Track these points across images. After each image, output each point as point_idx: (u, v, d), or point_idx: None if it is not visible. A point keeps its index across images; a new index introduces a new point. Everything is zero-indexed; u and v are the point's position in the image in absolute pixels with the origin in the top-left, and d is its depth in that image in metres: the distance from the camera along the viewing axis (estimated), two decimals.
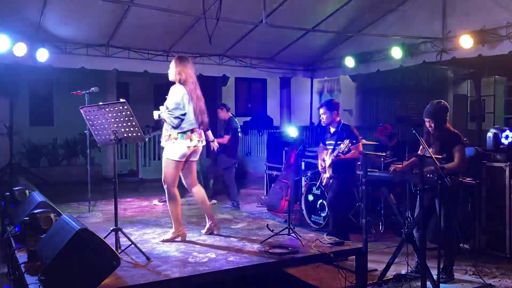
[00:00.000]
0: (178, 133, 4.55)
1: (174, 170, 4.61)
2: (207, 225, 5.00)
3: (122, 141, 4.21)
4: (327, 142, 5.53)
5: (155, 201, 6.90)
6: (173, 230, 4.74)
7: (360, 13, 8.47)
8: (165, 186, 4.67)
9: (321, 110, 5.46)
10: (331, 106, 5.42)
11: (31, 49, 7.68)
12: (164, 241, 4.66)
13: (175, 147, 4.56)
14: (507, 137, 5.46)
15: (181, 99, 4.56)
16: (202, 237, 4.85)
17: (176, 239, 4.69)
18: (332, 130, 5.47)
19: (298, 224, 6.72)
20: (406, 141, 6.26)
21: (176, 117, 4.50)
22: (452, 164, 4.33)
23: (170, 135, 4.57)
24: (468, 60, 8.66)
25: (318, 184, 6.35)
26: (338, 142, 5.22)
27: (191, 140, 4.60)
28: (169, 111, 4.53)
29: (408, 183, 4.45)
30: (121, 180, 4.21)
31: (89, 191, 6.30)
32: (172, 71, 4.69)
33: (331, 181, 5.39)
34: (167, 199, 4.74)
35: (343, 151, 5.03)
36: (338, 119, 5.46)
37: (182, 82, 4.62)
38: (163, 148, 4.69)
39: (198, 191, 4.92)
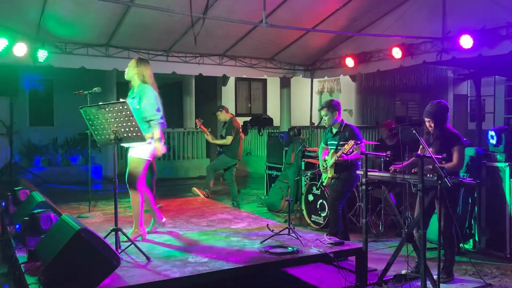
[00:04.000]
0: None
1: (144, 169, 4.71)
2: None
3: (122, 141, 4.21)
4: (329, 142, 5.53)
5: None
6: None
7: (360, 13, 8.47)
8: (133, 185, 4.64)
9: (323, 112, 5.45)
10: (332, 107, 5.41)
11: (31, 49, 7.68)
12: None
13: (150, 147, 4.66)
14: (492, 137, 5.41)
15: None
16: (202, 237, 4.85)
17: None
18: (334, 130, 5.46)
19: (298, 224, 6.73)
20: (406, 141, 6.23)
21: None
22: (450, 164, 4.34)
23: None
24: (468, 60, 8.67)
25: (318, 184, 6.35)
26: (341, 143, 5.22)
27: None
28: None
29: (408, 183, 4.43)
30: (121, 180, 4.19)
31: (89, 191, 6.30)
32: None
33: (332, 181, 5.39)
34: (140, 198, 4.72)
35: (347, 152, 5.02)
36: (340, 119, 5.46)
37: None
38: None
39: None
